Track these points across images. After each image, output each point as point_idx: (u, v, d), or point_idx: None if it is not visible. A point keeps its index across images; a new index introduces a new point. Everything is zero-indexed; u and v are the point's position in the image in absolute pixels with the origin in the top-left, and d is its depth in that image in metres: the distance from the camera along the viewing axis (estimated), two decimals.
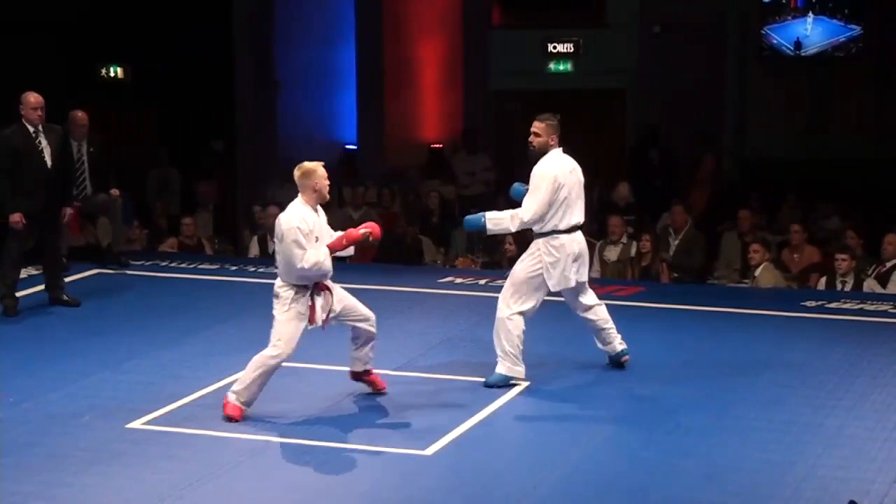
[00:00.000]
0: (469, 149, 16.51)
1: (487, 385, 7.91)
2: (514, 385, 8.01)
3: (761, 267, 11.37)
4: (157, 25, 15.74)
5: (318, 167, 7.60)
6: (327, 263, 7.42)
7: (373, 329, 7.69)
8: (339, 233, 7.62)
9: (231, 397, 7.42)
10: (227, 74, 16.39)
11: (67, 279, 10.56)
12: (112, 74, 16.52)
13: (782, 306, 10.21)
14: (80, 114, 11.22)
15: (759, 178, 15.85)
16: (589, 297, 8.31)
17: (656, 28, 16.91)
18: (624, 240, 12.23)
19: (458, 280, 10.99)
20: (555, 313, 10.18)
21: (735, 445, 7.10)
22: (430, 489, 6.50)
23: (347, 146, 17.64)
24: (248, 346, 8.83)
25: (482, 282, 10.90)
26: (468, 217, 8.22)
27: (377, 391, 7.83)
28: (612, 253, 12.20)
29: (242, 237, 14.09)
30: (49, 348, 8.89)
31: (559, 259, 7.99)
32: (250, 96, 16.80)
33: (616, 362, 8.37)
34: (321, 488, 6.47)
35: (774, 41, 16.87)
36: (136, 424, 7.30)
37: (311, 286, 7.43)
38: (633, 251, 12.16)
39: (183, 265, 11.82)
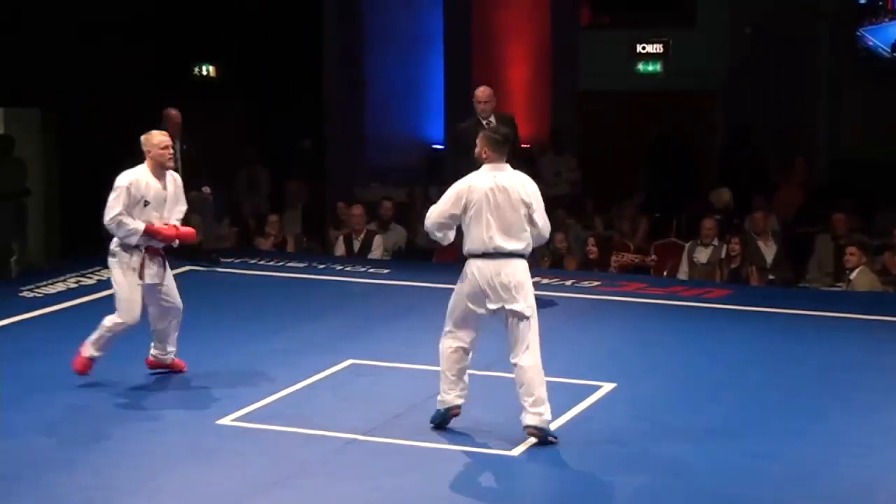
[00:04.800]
0: (556, 149, 16.46)
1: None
2: (599, 387, 7.96)
3: (857, 270, 11.17)
4: (249, 25, 15.91)
5: (156, 135, 7.94)
6: (136, 238, 7.82)
7: (174, 317, 8.09)
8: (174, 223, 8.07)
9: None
10: (317, 73, 16.50)
11: None
12: (204, 73, 16.70)
13: (878, 310, 10.03)
14: (174, 112, 11.37)
15: (852, 180, 15.57)
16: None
17: (747, 29, 16.69)
18: (715, 242, 12.11)
19: (545, 281, 10.93)
20: (637, 314, 10.14)
21: (827, 450, 6.98)
22: (515, 490, 6.47)
23: (434, 146, 17.68)
24: (335, 344, 8.94)
25: (568, 283, 10.87)
26: None
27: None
28: (703, 255, 12.08)
29: (328, 235, 14.17)
30: (139, 344, 8.99)
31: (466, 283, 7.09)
32: (339, 96, 16.90)
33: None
34: (407, 487, 6.46)
35: (871, 43, 16.55)
36: (226, 421, 7.36)
37: (143, 248, 7.87)
38: (724, 253, 12.04)
39: (271, 263, 11.93)
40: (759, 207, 13.09)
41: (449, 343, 7.17)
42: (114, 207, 7.81)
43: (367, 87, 17.21)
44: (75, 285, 10.75)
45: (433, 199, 15.11)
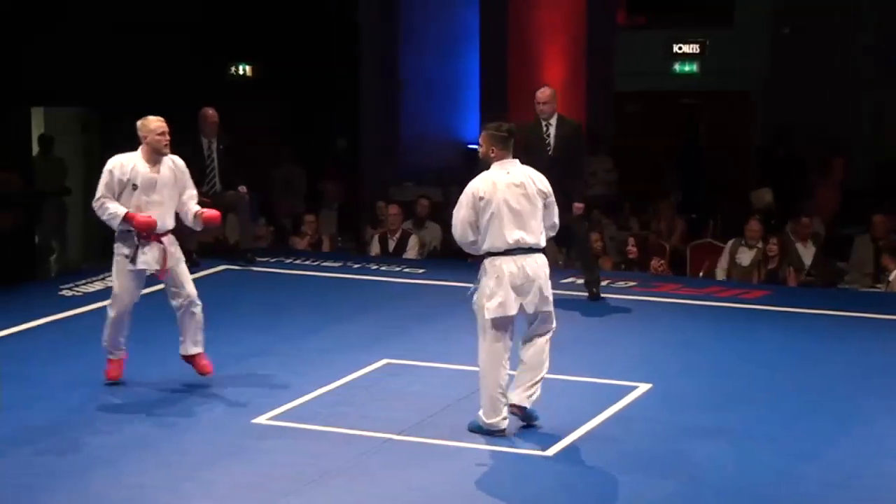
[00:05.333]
0: (591, 149, 16.41)
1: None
2: (635, 388, 7.95)
3: None
4: (285, 24, 15.97)
5: (153, 120, 7.90)
6: (116, 222, 7.78)
7: (189, 308, 7.91)
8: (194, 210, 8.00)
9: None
10: (353, 73, 16.54)
11: (196, 275, 10.77)
12: (241, 73, 16.77)
13: None
14: (210, 111, 11.41)
15: (893, 182, 15.47)
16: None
17: (786, 29, 16.61)
18: (759, 244, 12.03)
19: (580, 281, 10.89)
20: (673, 315, 10.11)
21: (865, 451, 6.94)
22: (550, 490, 6.46)
23: (470, 145, 17.68)
24: (370, 344, 8.95)
25: (604, 283, 10.80)
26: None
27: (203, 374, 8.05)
28: (746, 256, 12.00)
29: (364, 234, 14.20)
30: (177, 344, 9.06)
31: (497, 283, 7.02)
32: (375, 95, 16.93)
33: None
34: (442, 487, 6.47)
35: None
36: (261, 420, 7.39)
37: (132, 235, 7.85)
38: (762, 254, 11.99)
39: (307, 262, 11.97)
40: (804, 212, 13.01)
41: (488, 362, 7.08)
42: (98, 190, 7.86)
43: (404, 87, 17.23)
44: None
45: None
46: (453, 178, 16.03)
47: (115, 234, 7.96)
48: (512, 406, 7.09)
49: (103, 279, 10.95)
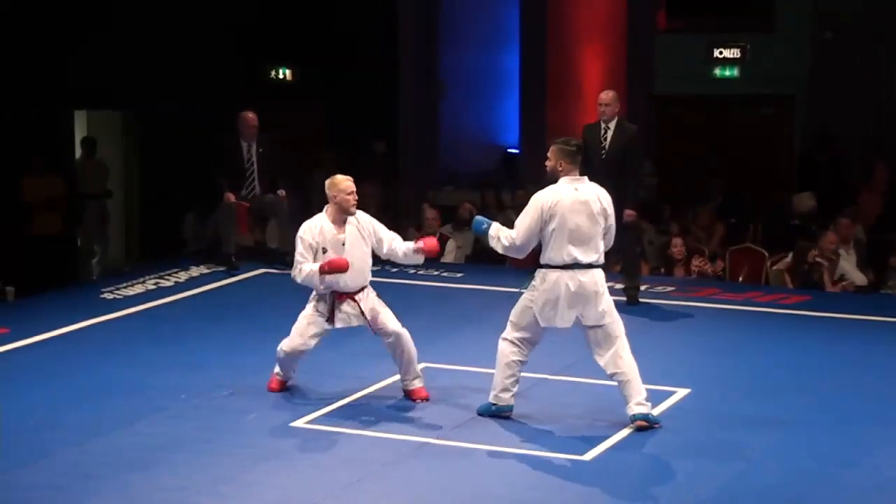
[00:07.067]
0: None
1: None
2: (673, 392, 7.93)
3: None
4: (324, 27, 16.02)
5: (342, 180, 7.72)
6: (316, 279, 7.60)
7: (397, 345, 7.76)
8: (410, 243, 7.94)
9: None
10: (392, 75, 16.56)
11: (235, 279, 10.84)
12: (280, 76, 16.83)
13: None
14: (250, 115, 11.46)
15: None
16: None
17: (828, 33, 16.48)
18: (833, 256, 11.87)
19: (619, 286, 10.86)
20: (711, 320, 10.07)
21: None
22: (588, 495, 6.46)
23: (509, 149, 17.68)
24: None
25: (642, 288, 10.78)
26: (477, 217, 7.63)
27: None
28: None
29: (407, 236, 14.19)
30: (218, 346, 9.13)
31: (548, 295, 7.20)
32: (414, 98, 16.95)
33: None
34: (478, 491, 6.49)
35: None
36: (300, 423, 7.43)
37: (327, 294, 7.66)
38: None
39: None
40: (845, 215, 12.90)
41: (510, 349, 7.33)
42: (296, 259, 7.69)
43: (443, 90, 17.24)
44: (154, 287, 10.89)
45: (507, 204, 15.20)
46: (492, 182, 16.05)
47: (312, 293, 7.81)
48: (635, 418, 7.20)
49: (144, 282, 11.04)
